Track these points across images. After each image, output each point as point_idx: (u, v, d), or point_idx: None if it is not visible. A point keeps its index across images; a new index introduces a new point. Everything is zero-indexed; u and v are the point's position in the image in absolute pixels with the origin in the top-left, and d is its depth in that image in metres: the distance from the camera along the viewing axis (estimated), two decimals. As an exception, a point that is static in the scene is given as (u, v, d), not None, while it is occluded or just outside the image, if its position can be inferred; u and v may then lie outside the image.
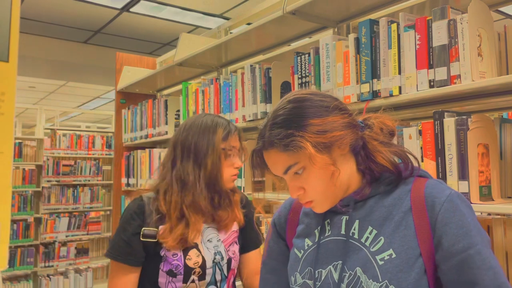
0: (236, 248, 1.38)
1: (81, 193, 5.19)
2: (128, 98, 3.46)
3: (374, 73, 1.48)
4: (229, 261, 1.34)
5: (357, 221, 0.87)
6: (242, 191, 2.05)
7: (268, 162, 0.89)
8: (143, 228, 1.27)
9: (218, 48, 2.28)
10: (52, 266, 4.91)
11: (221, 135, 1.32)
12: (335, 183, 0.85)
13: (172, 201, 1.29)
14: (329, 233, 0.90)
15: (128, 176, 3.27)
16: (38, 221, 4.88)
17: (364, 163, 0.88)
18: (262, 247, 1.47)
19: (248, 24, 2.13)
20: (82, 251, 5.12)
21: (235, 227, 1.40)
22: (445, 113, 1.28)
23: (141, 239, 1.27)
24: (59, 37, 5.83)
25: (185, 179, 1.29)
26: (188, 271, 1.25)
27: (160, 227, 1.28)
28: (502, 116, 1.71)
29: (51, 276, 4.90)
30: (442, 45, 1.31)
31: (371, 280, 0.80)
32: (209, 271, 1.29)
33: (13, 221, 4.72)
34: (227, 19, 4.87)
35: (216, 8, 4.81)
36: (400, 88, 1.41)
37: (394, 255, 0.80)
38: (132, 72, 3.34)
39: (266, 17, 1.87)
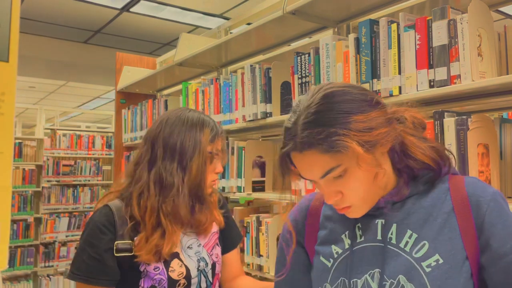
0: (218, 250, 1.27)
1: (81, 193, 5.19)
2: (128, 98, 3.46)
3: (374, 73, 1.48)
4: (213, 266, 1.23)
5: (394, 225, 0.80)
6: (242, 191, 2.05)
7: (300, 165, 0.79)
8: (116, 242, 1.10)
9: (218, 48, 2.28)
10: (52, 266, 4.91)
11: (208, 137, 1.19)
12: (378, 185, 0.78)
13: (148, 206, 1.13)
14: (362, 238, 0.83)
15: (128, 176, 3.27)
16: (38, 221, 4.88)
17: (402, 160, 0.81)
18: (239, 245, 1.40)
19: (248, 24, 2.13)
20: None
21: (215, 228, 1.27)
22: (445, 113, 1.28)
23: (115, 254, 1.10)
24: (59, 37, 5.83)
25: (167, 181, 1.14)
26: (172, 284, 1.12)
27: (135, 238, 1.12)
28: (502, 116, 1.71)
29: (51, 276, 4.90)
30: (442, 45, 1.31)
31: None
32: (194, 281, 1.17)
33: (13, 221, 4.72)
34: (227, 19, 4.87)
35: (216, 8, 4.81)
36: (400, 88, 1.41)
37: (441, 261, 0.75)
38: (132, 72, 3.34)
39: (266, 17, 1.87)
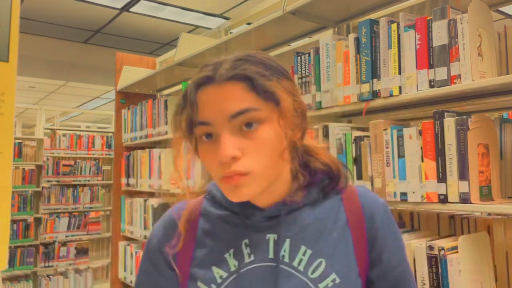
0: None
1: (81, 193, 5.19)
2: (128, 98, 3.46)
3: (374, 73, 1.48)
4: None
5: (288, 240, 0.70)
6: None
7: (211, 99, 0.64)
8: None
9: (218, 48, 2.28)
10: (52, 266, 4.91)
11: None
12: (282, 159, 0.67)
13: None
14: (252, 258, 0.70)
15: (128, 176, 3.27)
16: (38, 221, 4.88)
17: (302, 162, 0.73)
18: None
19: (248, 24, 2.13)
20: (82, 251, 5.12)
21: None
22: (445, 113, 1.28)
23: None
24: (59, 37, 5.83)
25: None
26: None
27: None
28: (502, 116, 1.71)
29: (51, 276, 4.90)
30: (442, 45, 1.31)
31: None
32: None
33: (13, 221, 4.72)
34: (227, 19, 4.87)
35: (216, 8, 4.81)
36: (400, 88, 1.41)
37: (338, 280, 0.67)
38: (132, 72, 3.34)
39: (266, 17, 1.87)
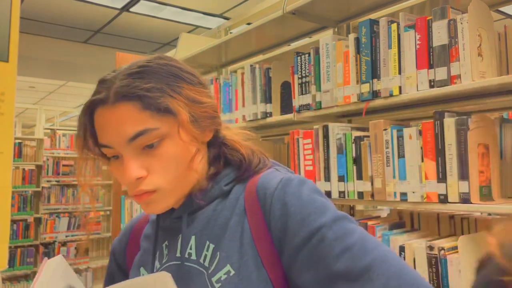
0: None
1: (81, 193, 5.19)
2: (128, 98, 3.46)
3: (374, 73, 1.48)
4: None
5: (193, 237, 0.68)
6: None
7: (106, 122, 0.63)
8: None
9: (218, 48, 2.28)
10: (52, 266, 4.91)
11: None
12: (194, 169, 0.66)
13: None
14: (166, 258, 0.70)
15: (128, 176, 3.27)
16: (38, 221, 4.88)
17: (215, 153, 0.71)
18: None
19: (248, 24, 2.13)
20: (82, 251, 5.12)
21: None
22: (445, 113, 1.28)
23: None
24: (59, 37, 5.83)
25: None
26: None
27: None
28: (502, 116, 1.71)
29: (51, 276, 4.90)
30: (442, 45, 1.30)
31: None
32: None
33: (13, 221, 4.72)
34: (227, 19, 4.87)
35: (216, 8, 4.81)
36: (400, 88, 1.41)
37: (232, 272, 0.62)
38: (132, 72, 3.33)
39: (266, 17, 1.87)
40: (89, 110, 0.65)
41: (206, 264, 0.65)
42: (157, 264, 0.71)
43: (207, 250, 0.65)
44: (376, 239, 0.61)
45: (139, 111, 0.61)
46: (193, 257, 0.66)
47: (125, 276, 0.80)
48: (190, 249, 0.67)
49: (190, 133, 0.64)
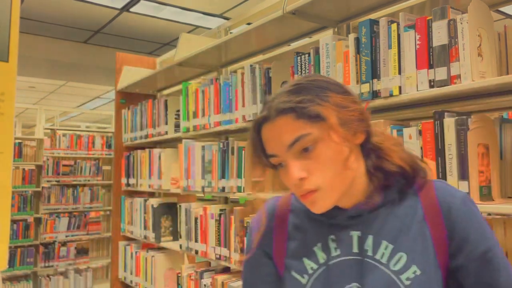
0: None
1: (81, 193, 5.19)
2: (128, 98, 3.46)
3: (374, 73, 1.48)
4: None
5: (370, 237, 0.78)
6: (242, 191, 2.05)
7: (270, 135, 0.75)
8: None
9: (218, 48, 2.28)
10: (52, 266, 4.91)
11: None
12: (349, 167, 0.75)
13: None
14: (338, 252, 0.79)
15: (128, 176, 3.27)
16: (38, 221, 4.88)
17: (375, 164, 0.79)
18: None
19: (248, 24, 2.13)
20: (82, 251, 5.12)
21: None
22: (445, 113, 1.28)
23: None
24: (59, 37, 5.83)
25: None
26: None
27: None
28: (502, 116, 1.71)
29: (51, 276, 4.90)
30: (442, 45, 1.31)
31: None
32: None
33: (13, 221, 4.71)
34: (227, 19, 4.87)
35: (216, 8, 4.81)
36: (400, 88, 1.41)
37: (418, 272, 0.74)
38: (132, 72, 3.34)
39: (266, 17, 1.87)
40: (257, 128, 0.78)
41: (384, 261, 0.75)
42: (322, 255, 0.80)
43: (385, 249, 0.76)
44: None
45: (293, 121, 0.73)
46: (370, 253, 0.77)
47: (270, 260, 0.86)
48: (368, 246, 0.77)
49: (340, 134, 0.73)
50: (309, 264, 0.81)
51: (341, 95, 0.76)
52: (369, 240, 0.77)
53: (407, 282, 0.73)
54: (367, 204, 0.78)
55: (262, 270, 0.86)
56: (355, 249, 0.78)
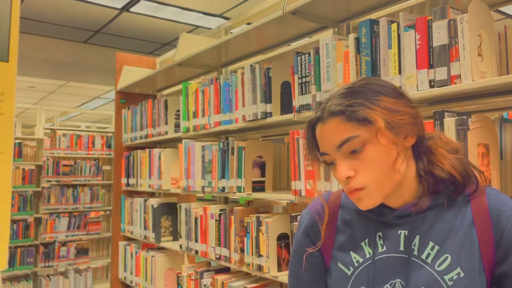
0: None
1: (81, 193, 5.19)
2: (128, 98, 3.46)
3: (374, 73, 1.48)
4: None
5: (417, 237, 0.81)
6: (242, 191, 2.05)
7: (322, 135, 0.80)
8: None
9: (218, 48, 2.28)
10: (52, 266, 4.91)
11: None
12: (396, 169, 0.78)
13: None
14: (384, 248, 0.83)
15: (128, 176, 3.27)
16: (38, 221, 4.88)
17: (426, 169, 0.81)
18: None
19: (248, 24, 2.13)
20: (82, 251, 5.12)
21: None
22: (445, 113, 1.28)
23: None
24: (59, 37, 5.83)
25: None
26: None
27: None
28: (502, 116, 1.71)
29: (51, 276, 4.90)
30: (442, 45, 1.30)
31: None
32: None
33: (13, 221, 4.71)
34: (227, 19, 4.87)
35: (216, 8, 4.81)
36: (400, 88, 1.41)
37: (462, 274, 0.76)
38: (132, 72, 3.34)
39: (266, 17, 1.87)
40: (311, 127, 0.83)
41: (429, 261, 0.78)
42: (369, 250, 0.84)
43: (431, 250, 0.79)
44: None
45: (343, 123, 0.77)
46: (415, 252, 0.79)
47: (318, 251, 0.91)
48: (414, 245, 0.80)
49: (388, 138, 0.76)
50: (355, 257, 0.85)
51: (394, 98, 0.79)
52: (416, 240, 0.80)
53: (450, 283, 0.76)
54: (415, 205, 0.81)
55: (309, 260, 0.92)
56: (401, 247, 0.81)
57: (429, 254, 0.79)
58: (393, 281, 0.79)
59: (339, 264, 0.87)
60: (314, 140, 0.83)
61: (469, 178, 0.81)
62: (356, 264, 0.85)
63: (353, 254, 0.86)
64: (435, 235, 0.79)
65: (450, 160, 0.81)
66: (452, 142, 0.86)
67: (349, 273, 0.85)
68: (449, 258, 0.77)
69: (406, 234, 0.81)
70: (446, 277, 0.76)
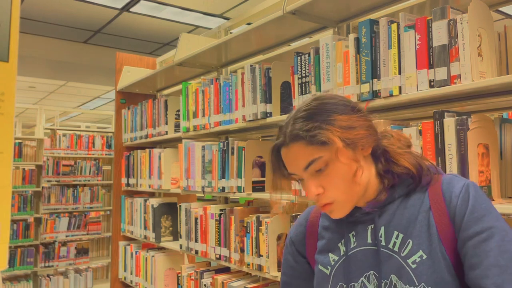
0: None
1: (81, 193, 5.19)
2: (128, 98, 3.46)
3: (374, 73, 1.48)
4: None
5: (382, 228, 0.87)
6: (242, 191, 2.05)
7: (287, 159, 0.87)
8: None
9: (218, 48, 2.28)
10: (52, 266, 4.91)
11: None
12: (358, 182, 0.84)
13: None
14: (355, 244, 0.89)
15: (128, 176, 3.27)
16: (38, 221, 4.88)
17: (384, 167, 0.88)
18: None
19: (248, 24, 2.13)
20: (82, 251, 5.12)
21: None
22: (445, 113, 1.28)
23: None
24: (59, 37, 5.83)
25: None
26: None
27: None
28: (502, 116, 1.71)
29: (51, 276, 4.90)
30: (442, 45, 1.30)
31: (407, 285, 0.80)
32: None
33: (13, 221, 4.71)
34: (227, 19, 4.87)
35: (216, 8, 4.81)
36: (400, 88, 1.41)
37: (425, 256, 0.80)
38: (132, 72, 3.34)
39: (266, 17, 1.87)
40: (276, 150, 0.89)
41: (396, 249, 0.83)
42: (343, 248, 0.90)
43: (396, 238, 0.84)
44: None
45: (305, 146, 0.83)
46: (383, 243, 0.85)
47: (304, 258, 0.99)
48: (381, 237, 0.86)
49: (347, 155, 0.82)
50: (332, 257, 0.92)
51: (347, 115, 0.85)
52: (382, 231, 0.86)
53: (414, 266, 0.80)
54: (376, 200, 0.88)
55: (297, 268, 1.00)
56: (369, 240, 0.87)
57: (395, 243, 0.84)
58: (367, 274, 0.85)
59: (320, 266, 0.94)
60: (280, 161, 0.89)
61: (423, 170, 0.87)
62: (333, 263, 0.91)
63: (330, 255, 0.92)
64: (398, 224, 0.85)
65: (403, 155, 0.88)
66: (403, 137, 0.92)
67: (328, 272, 0.91)
68: (411, 243, 0.82)
69: (372, 227, 0.87)
70: (409, 261, 0.81)
